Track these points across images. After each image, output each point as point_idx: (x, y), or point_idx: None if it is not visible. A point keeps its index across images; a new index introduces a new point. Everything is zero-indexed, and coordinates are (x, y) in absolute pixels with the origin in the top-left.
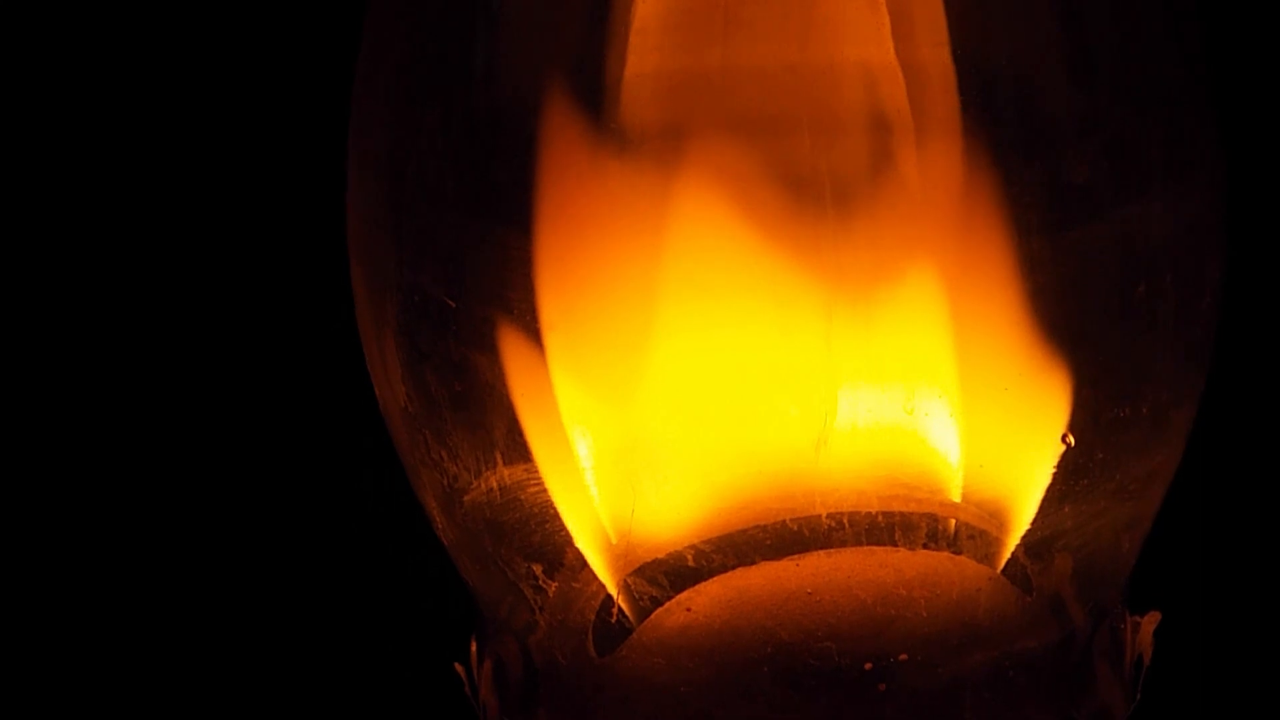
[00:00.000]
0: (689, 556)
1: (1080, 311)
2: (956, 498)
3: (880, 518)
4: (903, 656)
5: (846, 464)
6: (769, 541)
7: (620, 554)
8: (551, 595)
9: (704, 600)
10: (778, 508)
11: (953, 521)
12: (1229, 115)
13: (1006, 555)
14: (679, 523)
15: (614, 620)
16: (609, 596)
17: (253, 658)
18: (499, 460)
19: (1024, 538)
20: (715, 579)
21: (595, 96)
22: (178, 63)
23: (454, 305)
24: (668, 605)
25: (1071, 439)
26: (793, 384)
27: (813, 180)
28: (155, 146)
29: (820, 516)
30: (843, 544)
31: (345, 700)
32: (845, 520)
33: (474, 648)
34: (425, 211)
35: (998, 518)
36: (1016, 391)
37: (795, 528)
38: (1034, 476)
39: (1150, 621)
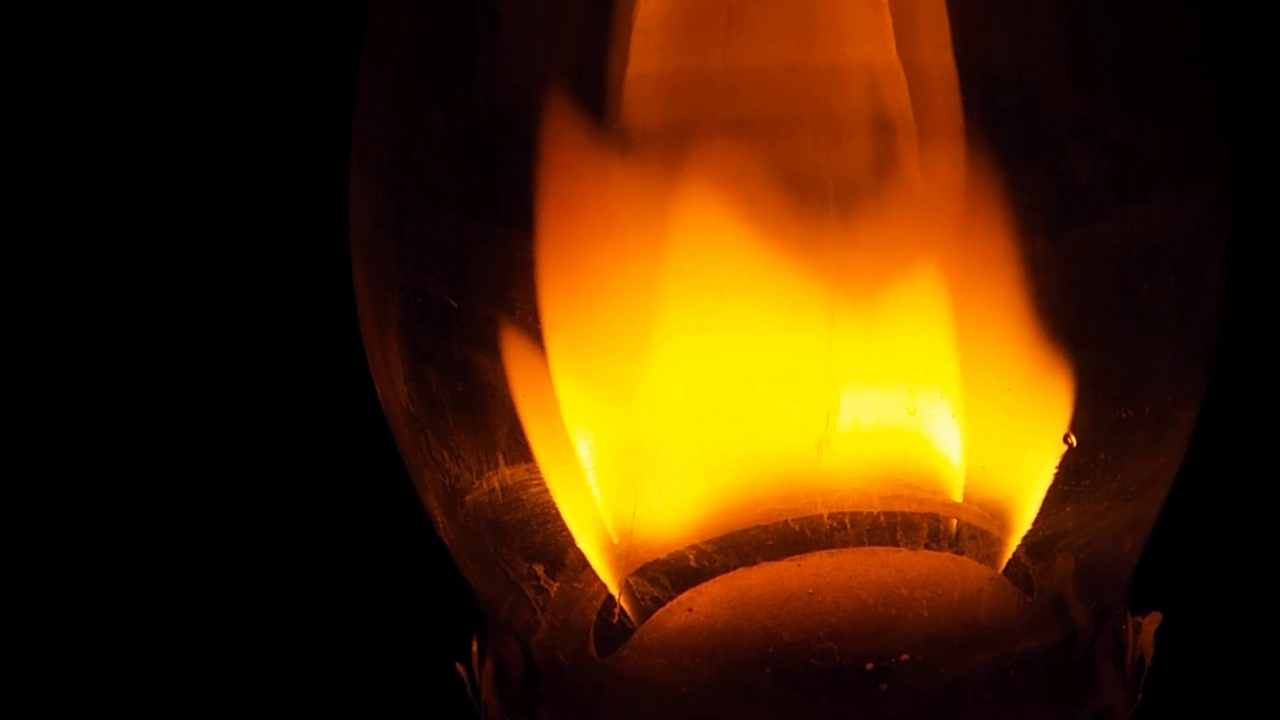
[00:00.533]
0: (690, 557)
1: (1083, 312)
2: (958, 498)
3: (882, 518)
4: (904, 657)
5: (848, 464)
6: (771, 542)
7: (622, 554)
8: (553, 595)
9: (705, 600)
10: (780, 508)
11: (955, 522)
12: (1231, 115)
13: (1008, 555)
14: (680, 523)
15: (615, 620)
16: (610, 597)
17: (253, 658)
18: (501, 460)
19: (1026, 538)
20: (717, 579)
21: (597, 97)
22: (182, 63)
23: (456, 305)
24: (669, 605)
25: (1074, 439)
26: (795, 384)
27: (815, 181)
28: (159, 146)
29: (822, 517)
30: (844, 544)
31: (345, 700)
32: (847, 520)
33: (475, 648)
34: (427, 212)
35: (1000, 518)
36: (1019, 392)
37: (797, 528)
38: (1036, 477)
39: (1152, 622)
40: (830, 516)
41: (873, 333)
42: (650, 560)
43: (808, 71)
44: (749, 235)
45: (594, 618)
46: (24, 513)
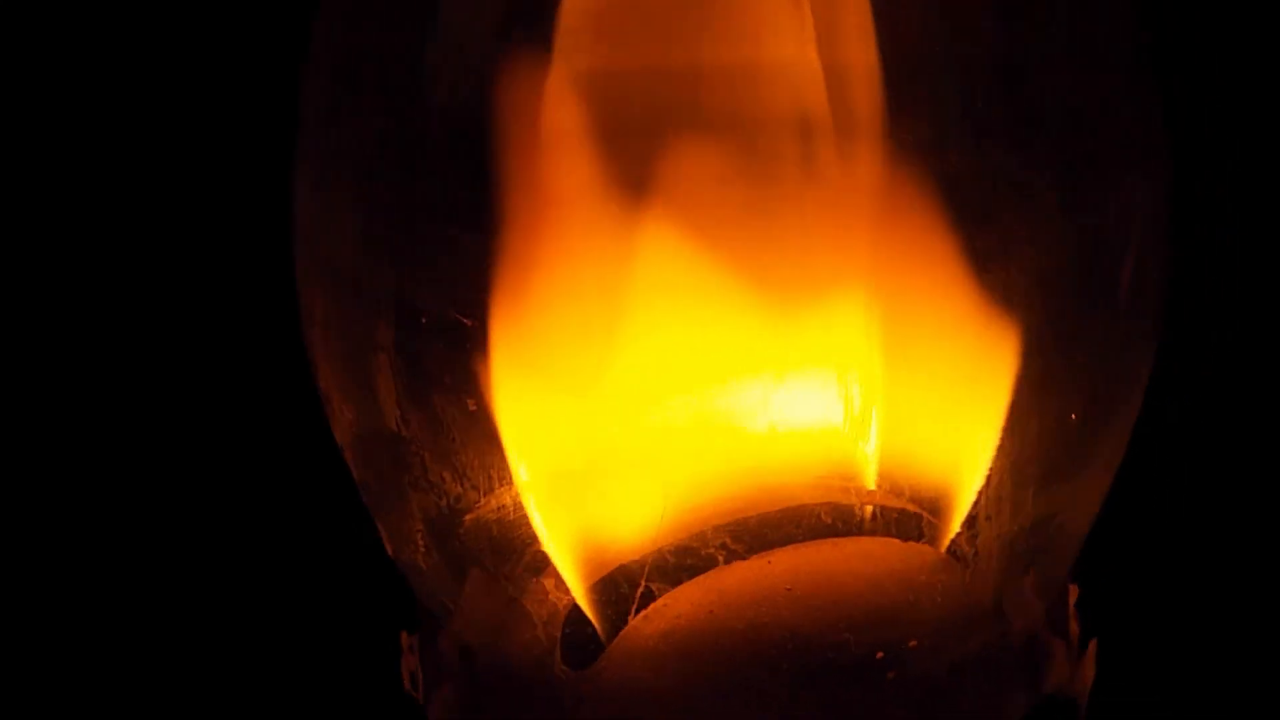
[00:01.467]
0: (664, 557)
1: (1026, 301)
2: (871, 485)
3: (824, 514)
4: (879, 655)
5: (796, 459)
6: (736, 544)
7: (589, 560)
8: (528, 608)
9: (683, 604)
10: (733, 507)
11: (873, 509)
12: (1175, 109)
13: (949, 540)
14: (643, 529)
15: (590, 630)
16: (577, 606)
17: (252, 657)
18: (492, 481)
19: (968, 523)
20: (692, 582)
21: (525, 99)
22: (183, 64)
23: (424, 321)
24: (646, 612)
25: (1075, 416)
26: (736, 382)
27: (736, 180)
28: (161, 148)
29: (776, 513)
30: (802, 540)
31: (345, 700)
32: (801, 515)
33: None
34: (380, 222)
35: (940, 504)
36: (960, 383)
37: (756, 525)
38: (975, 465)
39: (1074, 593)
40: (781, 512)
41: (803, 329)
42: (617, 566)
43: (727, 71)
44: (670, 235)
45: (567, 629)
46: (25, 514)
